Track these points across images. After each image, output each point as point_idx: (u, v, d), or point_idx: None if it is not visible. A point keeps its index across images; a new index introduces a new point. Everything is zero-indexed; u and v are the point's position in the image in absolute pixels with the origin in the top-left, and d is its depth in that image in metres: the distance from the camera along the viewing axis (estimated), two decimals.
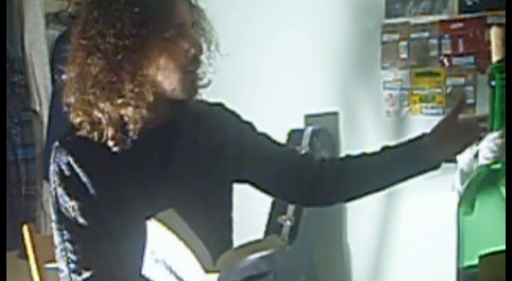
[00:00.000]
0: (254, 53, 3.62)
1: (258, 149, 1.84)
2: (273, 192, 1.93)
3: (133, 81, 1.61)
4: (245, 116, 1.88)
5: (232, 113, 1.87)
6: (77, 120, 1.67)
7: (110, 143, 1.65)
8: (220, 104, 1.87)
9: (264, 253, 1.47)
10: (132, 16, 1.60)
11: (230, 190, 1.82)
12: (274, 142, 1.88)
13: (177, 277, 1.47)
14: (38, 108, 3.35)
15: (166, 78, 1.64)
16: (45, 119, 3.35)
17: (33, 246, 1.91)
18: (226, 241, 1.78)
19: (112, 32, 1.60)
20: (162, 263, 1.49)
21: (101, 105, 1.63)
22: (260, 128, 1.88)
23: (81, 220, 1.64)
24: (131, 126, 1.64)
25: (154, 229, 1.48)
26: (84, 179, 1.65)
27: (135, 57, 1.60)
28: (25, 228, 1.92)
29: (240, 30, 3.59)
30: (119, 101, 1.62)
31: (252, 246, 1.48)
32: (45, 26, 3.42)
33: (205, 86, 1.73)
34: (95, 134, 1.65)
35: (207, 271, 1.42)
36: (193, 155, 1.74)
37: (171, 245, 1.46)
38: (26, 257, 1.94)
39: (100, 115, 1.64)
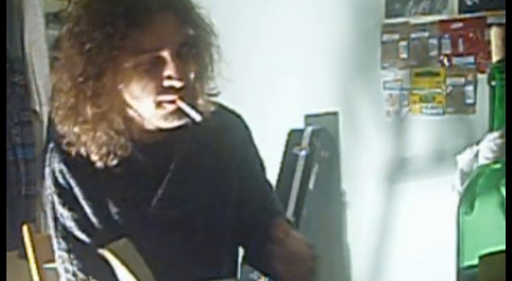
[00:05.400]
0: (254, 52, 3.61)
1: (251, 184, 1.66)
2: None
3: (94, 105, 1.48)
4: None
5: (248, 130, 1.71)
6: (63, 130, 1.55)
7: (94, 158, 1.54)
8: (238, 115, 1.71)
9: None
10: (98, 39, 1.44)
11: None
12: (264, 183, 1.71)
13: None
14: (38, 108, 3.35)
15: (140, 105, 1.51)
16: (45, 119, 3.35)
17: (33, 246, 1.90)
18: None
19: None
20: None
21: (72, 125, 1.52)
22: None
23: (76, 232, 1.59)
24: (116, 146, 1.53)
25: (108, 258, 1.43)
26: (76, 189, 1.57)
27: (97, 84, 1.47)
28: (25, 228, 1.91)
29: (239, 29, 3.58)
30: (85, 126, 1.51)
31: None
32: (45, 26, 3.42)
33: (214, 95, 1.59)
34: (80, 148, 1.54)
35: None
36: (191, 173, 1.60)
37: (123, 277, 1.42)
38: (26, 257, 1.93)
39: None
